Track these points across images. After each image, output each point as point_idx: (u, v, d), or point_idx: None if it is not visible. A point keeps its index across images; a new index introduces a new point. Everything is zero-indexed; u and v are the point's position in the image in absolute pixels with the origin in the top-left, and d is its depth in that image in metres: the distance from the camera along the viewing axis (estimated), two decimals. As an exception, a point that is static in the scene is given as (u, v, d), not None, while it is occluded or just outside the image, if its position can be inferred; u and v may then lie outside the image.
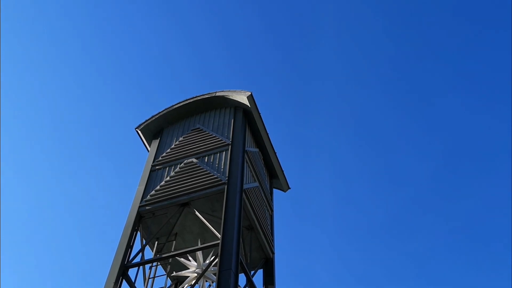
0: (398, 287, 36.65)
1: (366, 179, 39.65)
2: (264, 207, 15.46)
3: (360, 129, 40.73)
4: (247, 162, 15.04)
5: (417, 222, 39.09)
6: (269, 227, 15.30)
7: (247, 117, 16.42)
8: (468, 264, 37.92)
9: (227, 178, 13.58)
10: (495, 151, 38.96)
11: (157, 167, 15.13)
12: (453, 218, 38.58)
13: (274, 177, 17.69)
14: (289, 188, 18.07)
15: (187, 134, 16.05)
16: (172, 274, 14.27)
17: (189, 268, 13.51)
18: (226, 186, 13.32)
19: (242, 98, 16.22)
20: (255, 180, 15.35)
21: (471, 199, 39.08)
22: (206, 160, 14.63)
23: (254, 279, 13.66)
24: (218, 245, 11.84)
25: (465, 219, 39.18)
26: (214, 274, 13.18)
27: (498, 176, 38.20)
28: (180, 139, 15.88)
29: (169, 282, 14.45)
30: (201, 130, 15.96)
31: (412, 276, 37.03)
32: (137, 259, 12.96)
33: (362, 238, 38.51)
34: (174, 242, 14.34)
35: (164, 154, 15.49)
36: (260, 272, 14.52)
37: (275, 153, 17.33)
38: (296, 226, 35.46)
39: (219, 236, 12.07)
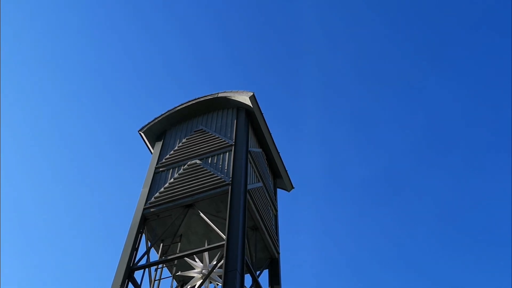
0: None
1: (365, 175, 39.71)
2: (269, 207, 15.47)
3: (360, 127, 40.76)
4: (250, 163, 15.04)
5: (416, 220, 39.10)
6: (273, 227, 15.30)
7: (250, 117, 16.42)
8: (461, 261, 37.97)
9: (231, 179, 13.58)
10: (491, 143, 39.01)
11: (160, 169, 15.15)
12: (448, 214, 38.65)
13: (278, 177, 17.68)
14: (293, 187, 18.07)
15: (190, 135, 16.06)
16: (178, 274, 14.27)
17: (194, 269, 13.52)
18: (230, 187, 13.32)
19: (244, 98, 16.22)
20: (259, 180, 15.35)
21: (467, 192, 39.15)
22: (209, 161, 14.64)
23: (260, 279, 13.67)
24: (224, 246, 11.85)
25: (460, 215, 39.24)
26: (220, 276, 13.18)
27: (495, 168, 38.29)
28: (183, 140, 15.89)
29: (175, 283, 14.47)
30: (204, 131, 15.97)
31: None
32: (143, 262, 12.98)
33: (364, 234, 38.53)
34: (179, 243, 14.35)
35: (167, 156, 15.50)
36: (265, 272, 14.54)
37: (278, 153, 17.33)
38: (298, 225, 35.45)
39: (224, 237, 12.08)
